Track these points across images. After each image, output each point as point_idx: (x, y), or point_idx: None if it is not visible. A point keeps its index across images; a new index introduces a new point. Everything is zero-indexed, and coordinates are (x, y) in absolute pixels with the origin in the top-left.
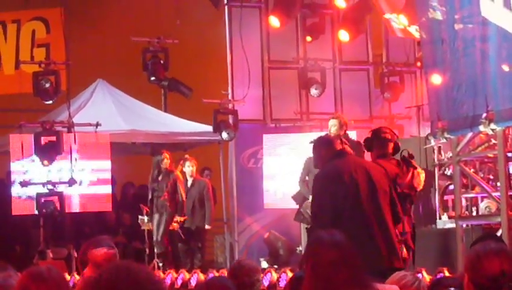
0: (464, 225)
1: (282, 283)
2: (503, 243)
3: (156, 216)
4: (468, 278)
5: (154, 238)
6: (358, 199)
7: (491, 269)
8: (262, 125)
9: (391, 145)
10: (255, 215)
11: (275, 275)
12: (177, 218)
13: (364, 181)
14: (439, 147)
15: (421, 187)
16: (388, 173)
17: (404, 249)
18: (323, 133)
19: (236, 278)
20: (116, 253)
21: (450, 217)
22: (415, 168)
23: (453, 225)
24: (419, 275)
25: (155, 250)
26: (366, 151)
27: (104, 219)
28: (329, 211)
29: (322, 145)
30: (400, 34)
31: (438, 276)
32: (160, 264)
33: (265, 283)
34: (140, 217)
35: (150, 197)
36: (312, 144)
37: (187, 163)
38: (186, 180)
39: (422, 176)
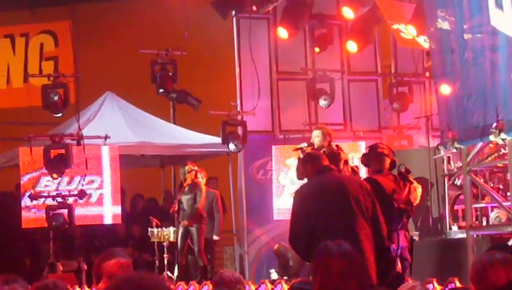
0: (475, 235)
1: None
2: (509, 253)
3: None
4: (475, 289)
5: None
6: (331, 218)
7: (497, 279)
8: (271, 137)
9: (388, 160)
10: (264, 226)
11: (285, 287)
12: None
13: (340, 198)
14: (449, 157)
15: (417, 202)
16: (383, 188)
17: (399, 264)
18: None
19: (218, 289)
20: (130, 263)
21: (460, 227)
22: (412, 183)
23: (463, 235)
24: (430, 286)
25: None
26: (363, 166)
27: (114, 232)
28: (303, 231)
29: (309, 161)
30: (408, 45)
31: (449, 286)
32: (173, 276)
33: None
34: (150, 229)
35: (176, 208)
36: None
37: (198, 175)
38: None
39: (419, 190)
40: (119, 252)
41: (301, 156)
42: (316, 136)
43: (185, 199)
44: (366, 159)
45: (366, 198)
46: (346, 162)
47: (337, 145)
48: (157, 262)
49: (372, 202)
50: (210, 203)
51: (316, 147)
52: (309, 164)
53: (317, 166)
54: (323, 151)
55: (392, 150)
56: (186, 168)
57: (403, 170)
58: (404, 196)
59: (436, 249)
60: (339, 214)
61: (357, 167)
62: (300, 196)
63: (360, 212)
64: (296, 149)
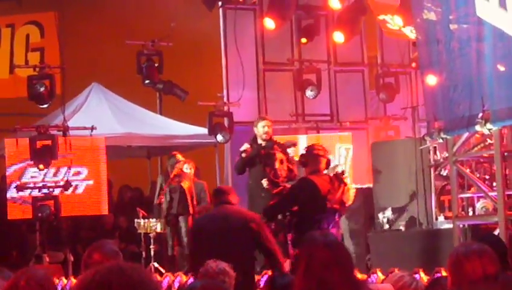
0: (461, 225)
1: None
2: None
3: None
4: (451, 280)
5: (170, 242)
6: (211, 251)
7: (472, 271)
8: None
9: (324, 161)
10: None
11: None
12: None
13: (222, 234)
14: (435, 147)
15: (350, 202)
16: (318, 188)
17: None
18: (320, 135)
19: (203, 280)
20: (120, 254)
21: (446, 218)
22: (346, 184)
23: (450, 226)
24: (417, 275)
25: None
26: (302, 167)
27: (100, 223)
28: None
29: (214, 193)
30: (395, 36)
31: (436, 276)
32: (160, 267)
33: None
34: (136, 220)
35: (162, 199)
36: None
37: (185, 165)
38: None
39: (352, 191)
40: (109, 243)
41: (243, 155)
42: (265, 126)
43: (173, 189)
44: (304, 160)
45: (250, 233)
46: (281, 161)
47: (276, 142)
48: (143, 253)
49: (259, 237)
50: (198, 194)
51: (268, 137)
52: (214, 197)
53: (218, 199)
54: (263, 147)
55: (327, 151)
56: (175, 158)
57: (339, 172)
58: (338, 196)
59: (422, 239)
60: (219, 249)
61: (293, 165)
62: (193, 227)
63: (238, 248)
64: (240, 153)
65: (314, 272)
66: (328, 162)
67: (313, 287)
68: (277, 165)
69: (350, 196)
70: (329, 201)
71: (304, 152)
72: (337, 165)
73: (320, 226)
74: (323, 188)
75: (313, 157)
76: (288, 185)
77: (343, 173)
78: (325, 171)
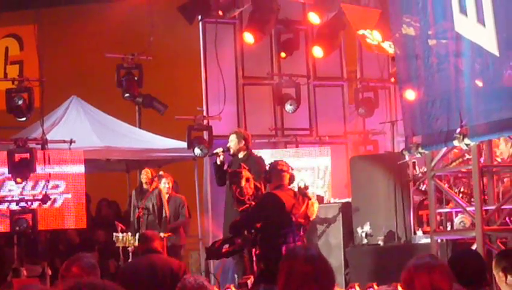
0: (439, 240)
1: None
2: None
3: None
4: None
5: None
6: None
7: (421, 287)
8: None
9: (287, 176)
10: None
11: None
12: (164, 234)
13: (146, 282)
14: (414, 162)
15: (313, 217)
16: (283, 203)
17: None
18: (298, 150)
19: None
20: (98, 268)
21: (424, 232)
22: (310, 198)
23: (428, 240)
24: None
25: None
26: (266, 182)
27: (78, 236)
28: None
29: (143, 241)
30: (374, 50)
31: None
32: None
33: None
34: (115, 234)
35: (136, 215)
36: None
37: (163, 180)
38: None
39: (316, 206)
40: (86, 257)
41: (218, 161)
42: (231, 141)
43: (149, 205)
44: (268, 176)
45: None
46: (247, 179)
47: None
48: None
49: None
50: (176, 208)
51: (232, 151)
52: (139, 243)
53: (143, 247)
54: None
55: (289, 167)
56: (147, 174)
57: (302, 187)
58: (303, 211)
59: (401, 254)
60: None
61: (260, 184)
62: (119, 276)
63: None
64: (212, 155)
65: (293, 286)
66: (292, 178)
67: None
68: (243, 183)
69: (314, 210)
70: (293, 215)
71: (267, 168)
72: (299, 181)
73: (286, 240)
74: (287, 202)
75: (276, 172)
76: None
77: (306, 187)
78: (290, 187)
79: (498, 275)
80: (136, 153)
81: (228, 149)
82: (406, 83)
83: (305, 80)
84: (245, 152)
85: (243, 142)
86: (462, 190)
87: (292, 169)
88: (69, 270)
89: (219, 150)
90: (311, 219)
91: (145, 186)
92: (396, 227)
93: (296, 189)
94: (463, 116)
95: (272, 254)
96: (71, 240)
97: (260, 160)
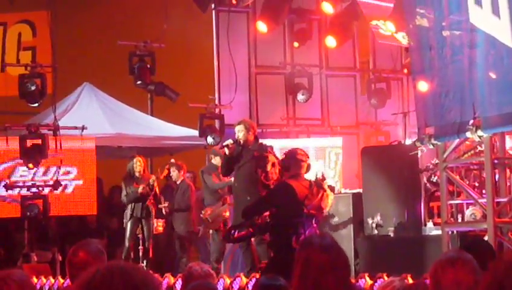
0: (450, 232)
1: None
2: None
3: (132, 221)
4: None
5: (127, 244)
6: None
7: (445, 280)
8: None
9: (305, 166)
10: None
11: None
12: (160, 222)
13: None
14: (425, 153)
15: (327, 209)
16: (295, 192)
17: None
18: (310, 140)
19: (187, 283)
20: (105, 254)
21: (435, 224)
22: (325, 190)
23: (438, 232)
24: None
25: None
26: (283, 170)
27: (89, 222)
28: None
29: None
30: (387, 41)
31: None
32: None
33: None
34: (125, 221)
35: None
36: None
37: (172, 168)
38: (177, 184)
39: (331, 198)
40: (94, 242)
41: (227, 152)
42: (240, 131)
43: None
44: (285, 164)
45: None
46: (273, 164)
47: (266, 146)
48: (132, 254)
49: None
50: (183, 193)
51: (242, 142)
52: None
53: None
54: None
55: (308, 156)
56: (140, 162)
57: (319, 177)
58: (316, 202)
59: (411, 245)
60: None
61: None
62: None
63: None
64: (222, 147)
65: (310, 275)
66: (308, 167)
67: None
68: (269, 167)
69: (328, 203)
70: (305, 206)
71: (285, 156)
72: (317, 172)
73: (297, 231)
74: (300, 193)
75: (295, 161)
76: None
77: (323, 179)
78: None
79: None
80: (147, 140)
81: (237, 141)
82: (419, 74)
83: (317, 69)
84: (255, 142)
85: (252, 131)
86: (476, 184)
87: (309, 158)
88: (76, 255)
89: (229, 141)
90: (324, 210)
91: (137, 174)
92: (406, 218)
93: (313, 179)
94: (476, 108)
95: (281, 243)
96: (88, 225)
97: (271, 150)
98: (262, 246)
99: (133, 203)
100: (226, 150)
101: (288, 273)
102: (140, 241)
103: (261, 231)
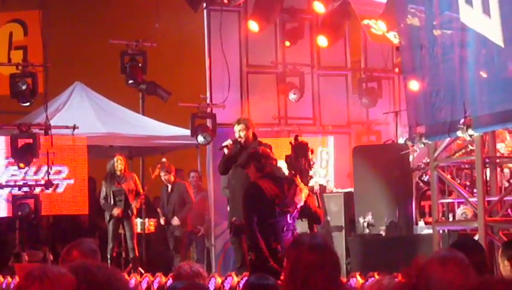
0: (441, 231)
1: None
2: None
3: (113, 222)
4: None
5: (111, 245)
6: None
7: (436, 279)
8: None
9: (273, 164)
10: None
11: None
12: (152, 221)
13: None
14: (416, 152)
15: (301, 203)
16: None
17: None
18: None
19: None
20: (99, 253)
21: (426, 223)
22: (297, 185)
23: (430, 231)
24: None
25: (130, 255)
26: (257, 171)
27: (80, 222)
28: None
29: None
30: (378, 40)
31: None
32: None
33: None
34: (106, 221)
35: (111, 202)
36: None
37: (162, 173)
38: (167, 186)
39: (305, 192)
40: (87, 242)
41: (226, 152)
42: (241, 130)
43: (117, 192)
44: (261, 164)
45: None
46: (312, 151)
47: (265, 144)
48: (123, 253)
49: None
50: (180, 195)
51: (243, 141)
52: None
53: None
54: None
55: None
56: (121, 161)
57: (291, 175)
58: (289, 198)
59: (402, 244)
60: None
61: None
62: None
63: None
64: (222, 148)
65: (299, 274)
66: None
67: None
68: (310, 155)
69: (302, 197)
70: (277, 205)
71: (259, 157)
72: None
73: (274, 230)
74: (270, 192)
75: (269, 161)
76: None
77: (294, 175)
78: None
79: (503, 263)
80: (139, 140)
81: (237, 141)
82: (410, 73)
83: (309, 69)
84: (254, 140)
85: (251, 129)
86: (467, 183)
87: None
88: (69, 254)
89: (228, 142)
90: (298, 205)
91: (118, 173)
92: (398, 217)
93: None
94: (467, 107)
95: (260, 245)
96: (79, 224)
97: (270, 148)
98: None
99: (113, 204)
100: (225, 150)
101: (271, 275)
102: (122, 240)
103: (237, 234)
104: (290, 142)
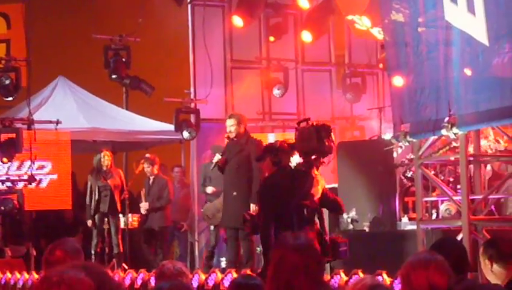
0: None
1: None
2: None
3: (98, 217)
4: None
5: (95, 241)
6: None
7: (418, 283)
8: (224, 125)
9: (289, 157)
10: None
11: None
12: (136, 217)
13: None
14: (400, 148)
15: (318, 195)
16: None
17: None
18: (286, 134)
19: (159, 281)
20: (82, 252)
21: (410, 219)
22: (313, 177)
23: (413, 227)
24: (380, 277)
25: (114, 251)
26: (273, 165)
27: (63, 217)
28: None
29: None
30: (363, 36)
31: (398, 280)
32: (123, 264)
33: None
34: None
35: (96, 197)
36: None
37: (146, 164)
38: (149, 178)
39: (322, 183)
40: (71, 241)
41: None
42: (232, 125)
43: (102, 188)
44: (275, 158)
45: None
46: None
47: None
48: (107, 249)
49: None
50: (160, 189)
51: (234, 136)
52: None
53: None
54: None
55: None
56: (108, 157)
57: (300, 162)
58: (305, 191)
59: (386, 240)
60: None
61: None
62: None
63: None
64: (213, 167)
65: (282, 275)
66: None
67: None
68: (333, 136)
69: (319, 189)
70: (294, 199)
71: (276, 150)
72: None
73: (291, 225)
74: (283, 186)
75: (286, 154)
76: None
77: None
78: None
79: (484, 262)
80: (122, 134)
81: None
82: (394, 70)
83: (293, 64)
84: (244, 135)
85: (243, 124)
86: (451, 180)
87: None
88: (53, 253)
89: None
90: (315, 198)
91: (105, 168)
92: (381, 213)
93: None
94: (451, 105)
95: (271, 240)
96: (63, 220)
97: (260, 143)
98: (246, 242)
99: (98, 199)
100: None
101: None
102: (106, 236)
103: (253, 232)
104: (304, 127)
